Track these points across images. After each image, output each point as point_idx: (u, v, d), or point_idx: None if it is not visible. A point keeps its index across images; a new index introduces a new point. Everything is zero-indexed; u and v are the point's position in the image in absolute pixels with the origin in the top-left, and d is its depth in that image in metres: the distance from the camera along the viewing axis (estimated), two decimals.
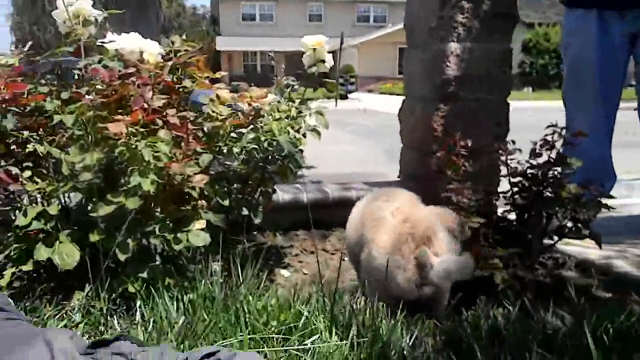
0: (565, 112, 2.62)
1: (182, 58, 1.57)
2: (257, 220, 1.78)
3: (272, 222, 2.47)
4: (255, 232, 2.40)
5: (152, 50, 1.65)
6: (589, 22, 2.47)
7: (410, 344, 1.07)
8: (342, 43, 17.87)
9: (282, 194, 2.54)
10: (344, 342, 1.05)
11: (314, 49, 2.02)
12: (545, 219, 1.86)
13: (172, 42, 1.59)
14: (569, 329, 1.15)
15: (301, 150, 2.00)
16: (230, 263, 1.47)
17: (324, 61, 2.04)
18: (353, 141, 8.97)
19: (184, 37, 1.73)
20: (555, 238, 1.83)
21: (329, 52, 2.05)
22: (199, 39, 27.83)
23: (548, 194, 1.78)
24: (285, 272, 2.10)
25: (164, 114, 1.39)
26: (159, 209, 1.43)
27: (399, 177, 2.89)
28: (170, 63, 1.54)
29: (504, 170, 1.92)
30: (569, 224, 1.75)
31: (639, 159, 3.06)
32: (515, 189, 1.79)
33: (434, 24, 2.44)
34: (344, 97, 20.76)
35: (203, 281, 1.30)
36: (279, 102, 2.03)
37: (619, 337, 1.23)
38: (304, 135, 2.00)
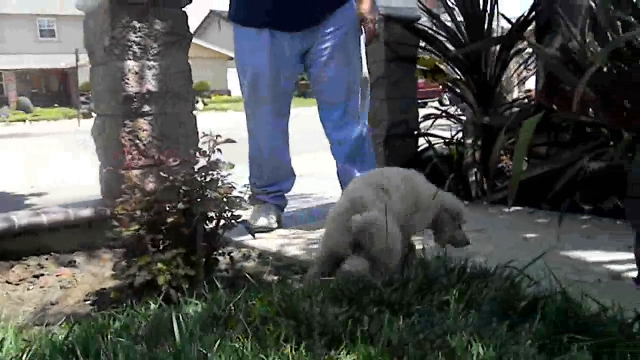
0: (247, 124, 2.87)
1: None
2: None
3: None
4: None
5: None
6: (263, 41, 2.68)
7: None
8: (77, 60, 16.78)
9: None
10: None
11: None
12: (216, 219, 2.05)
13: None
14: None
15: None
16: None
17: None
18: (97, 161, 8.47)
19: None
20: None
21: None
22: None
23: (210, 196, 1.97)
24: None
25: None
26: None
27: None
28: None
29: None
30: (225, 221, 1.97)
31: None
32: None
33: (107, 43, 2.49)
34: (88, 115, 19.48)
35: None
36: None
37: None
38: None
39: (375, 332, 1.19)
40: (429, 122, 3.86)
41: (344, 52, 2.72)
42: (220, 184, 1.99)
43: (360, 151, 2.85)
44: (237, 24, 2.82)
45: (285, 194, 2.95)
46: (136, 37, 2.51)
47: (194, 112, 2.74)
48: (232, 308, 1.41)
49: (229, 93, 28.57)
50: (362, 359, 1.06)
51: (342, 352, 1.09)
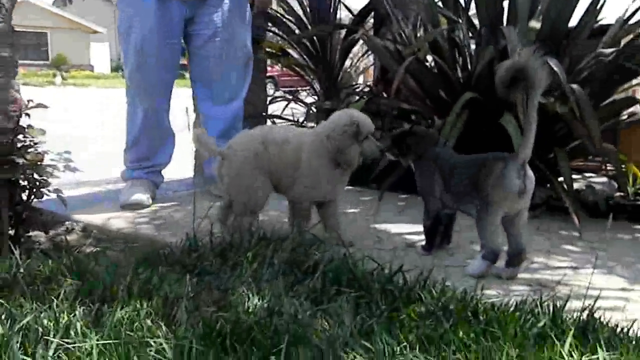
0: (127, 92, 2.76)
1: None
2: None
3: None
4: None
5: None
6: (150, 5, 2.56)
7: None
8: None
9: None
10: None
11: None
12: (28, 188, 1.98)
13: None
14: None
15: None
16: None
17: None
18: None
19: None
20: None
21: None
22: None
23: (21, 161, 1.89)
24: None
25: None
26: None
27: None
28: None
29: None
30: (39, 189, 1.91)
31: None
32: None
33: None
34: None
35: None
36: None
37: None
38: None
39: (157, 289, 1.24)
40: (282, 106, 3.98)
41: (229, 28, 2.72)
42: (32, 150, 1.93)
43: (235, 128, 2.85)
44: None
45: (162, 170, 2.89)
46: None
47: (17, 78, 2.58)
48: (22, 272, 1.39)
49: (91, 69, 26.81)
50: (133, 310, 1.11)
51: (114, 306, 1.13)
